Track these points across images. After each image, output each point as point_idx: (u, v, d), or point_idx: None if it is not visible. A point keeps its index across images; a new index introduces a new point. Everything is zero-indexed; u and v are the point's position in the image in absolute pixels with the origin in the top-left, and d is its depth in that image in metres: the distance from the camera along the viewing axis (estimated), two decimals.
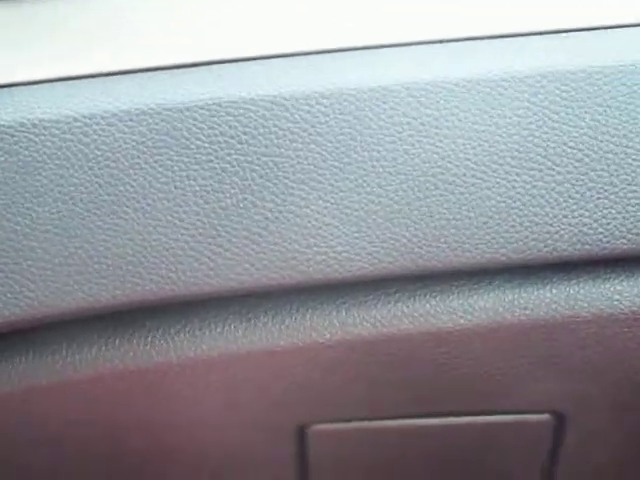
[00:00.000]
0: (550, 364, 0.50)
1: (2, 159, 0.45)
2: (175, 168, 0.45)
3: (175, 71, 0.47)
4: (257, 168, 0.45)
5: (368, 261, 0.46)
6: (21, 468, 0.55)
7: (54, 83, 0.47)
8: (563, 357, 0.50)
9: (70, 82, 0.47)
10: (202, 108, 0.45)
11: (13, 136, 0.45)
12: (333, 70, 0.46)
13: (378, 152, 0.45)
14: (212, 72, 0.47)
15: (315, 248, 0.46)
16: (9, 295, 0.46)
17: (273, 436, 0.54)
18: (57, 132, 0.45)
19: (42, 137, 0.45)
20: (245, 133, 0.45)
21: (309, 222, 0.46)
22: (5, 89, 0.47)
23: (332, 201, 0.46)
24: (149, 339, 0.48)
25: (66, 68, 0.48)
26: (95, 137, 0.45)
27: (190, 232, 0.46)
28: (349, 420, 0.54)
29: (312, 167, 0.45)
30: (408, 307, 0.48)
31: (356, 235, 0.46)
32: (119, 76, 0.47)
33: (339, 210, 0.46)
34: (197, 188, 0.45)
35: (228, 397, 0.51)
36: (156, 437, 0.53)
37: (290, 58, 0.47)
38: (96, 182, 0.45)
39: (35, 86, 0.47)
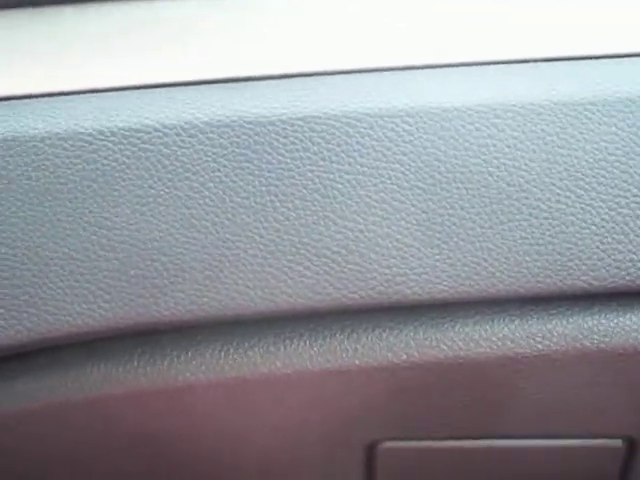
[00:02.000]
0: (626, 390, 0.50)
1: (80, 167, 0.45)
2: (256, 183, 0.45)
3: (258, 83, 0.46)
4: (339, 186, 0.45)
5: (448, 284, 0.45)
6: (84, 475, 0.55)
7: (135, 91, 0.46)
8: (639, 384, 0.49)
9: (151, 90, 0.46)
10: (285, 122, 0.45)
11: (91, 144, 0.45)
12: (419, 87, 0.45)
13: (462, 173, 0.45)
14: (297, 85, 0.46)
15: (395, 269, 0.45)
16: (84, 305, 0.45)
17: (343, 452, 0.54)
18: (137, 141, 0.45)
19: (121, 146, 0.45)
20: (328, 149, 0.44)
21: (390, 242, 0.45)
22: (86, 95, 0.47)
23: (414, 222, 0.45)
24: (222, 354, 0.48)
25: (148, 76, 0.47)
26: (175, 148, 0.45)
27: (269, 248, 0.45)
28: (420, 438, 0.53)
29: (395, 187, 0.45)
30: (486, 331, 0.47)
31: (437, 257, 0.45)
32: (201, 86, 0.46)
33: (420, 231, 0.45)
34: (278, 204, 0.45)
35: (299, 413, 0.50)
36: (227, 451, 0.53)
37: (375, 73, 0.47)
38: (175, 194, 0.45)
39: (116, 93, 0.46)
